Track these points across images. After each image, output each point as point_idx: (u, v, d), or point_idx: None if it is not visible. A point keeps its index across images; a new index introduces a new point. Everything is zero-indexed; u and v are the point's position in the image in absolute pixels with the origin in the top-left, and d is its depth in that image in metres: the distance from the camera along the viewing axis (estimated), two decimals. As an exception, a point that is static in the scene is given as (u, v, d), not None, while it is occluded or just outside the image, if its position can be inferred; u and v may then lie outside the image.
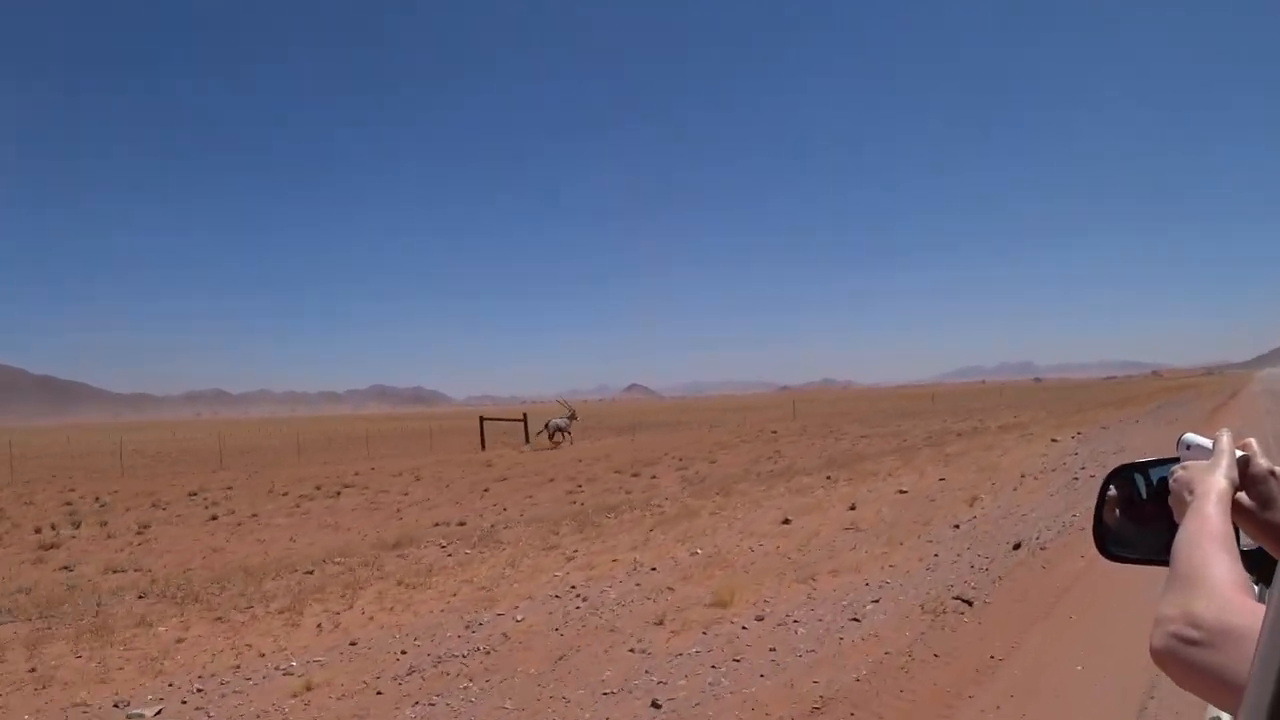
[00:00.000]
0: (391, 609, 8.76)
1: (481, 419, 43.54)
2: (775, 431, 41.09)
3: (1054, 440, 22.53)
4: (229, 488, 24.47)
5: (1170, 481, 1.27)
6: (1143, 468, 1.65)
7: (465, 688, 6.21)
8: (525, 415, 44.62)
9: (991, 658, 6.20)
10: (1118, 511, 1.64)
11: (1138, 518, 1.59)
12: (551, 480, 22.66)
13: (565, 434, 38.78)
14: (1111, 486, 1.65)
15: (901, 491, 15.18)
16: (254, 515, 18.50)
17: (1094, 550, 1.60)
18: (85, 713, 6.19)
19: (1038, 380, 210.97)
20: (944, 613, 7.29)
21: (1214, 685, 0.96)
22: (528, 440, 39.53)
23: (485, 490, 21.24)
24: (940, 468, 18.30)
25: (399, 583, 9.93)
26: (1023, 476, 16.18)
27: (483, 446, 39.24)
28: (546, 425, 38.76)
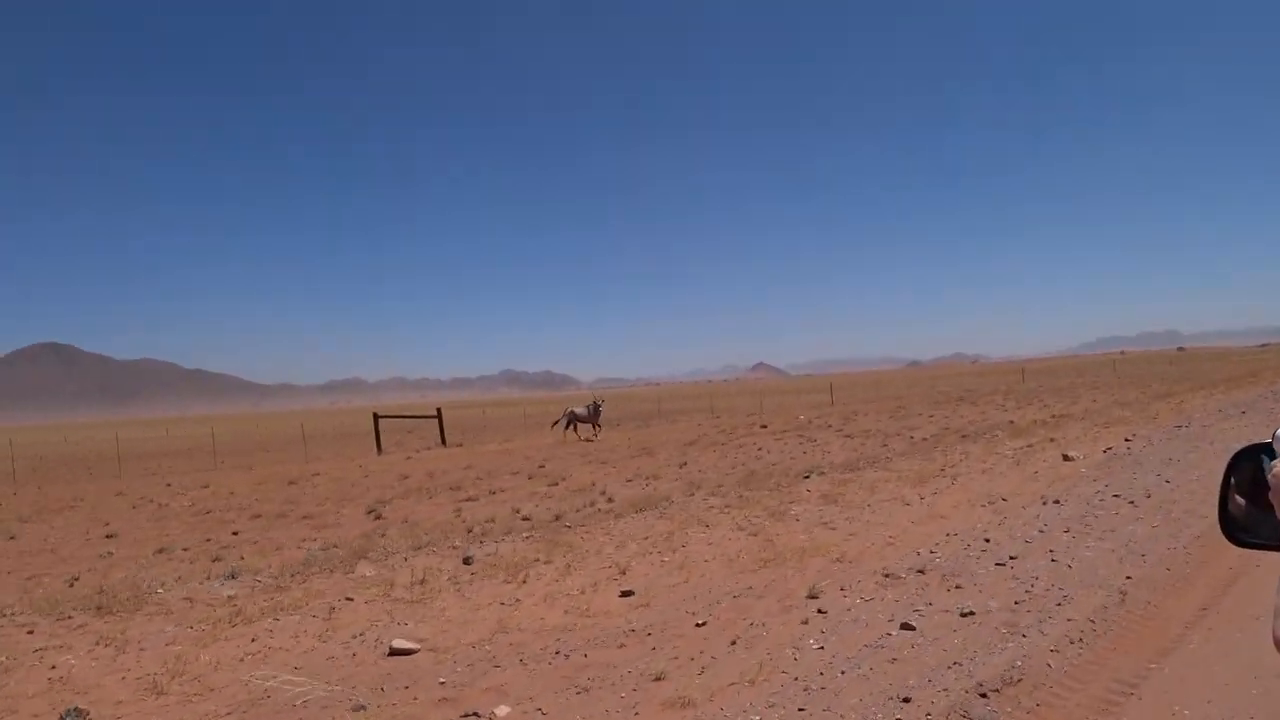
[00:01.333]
0: None
1: (376, 416, 39.70)
2: (765, 426, 34.69)
3: (1066, 457, 15.93)
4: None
5: (1269, 477, 1.44)
6: (1269, 449, 1.58)
7: None
8: (440, 410, 41.47)
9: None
10: (1241, 497, 1.69)
11: (1264, 502, 1.54)
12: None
13: (594, 426, 35.30)
14: (1237, 469, 1.72)
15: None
16: None
17: None
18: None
19: (1181, 350, 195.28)
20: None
21: None
22: (444, 441, 37.02)
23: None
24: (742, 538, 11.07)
25: None
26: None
27: (379, 448, 36.64)
28: (567, 414, 35.55)
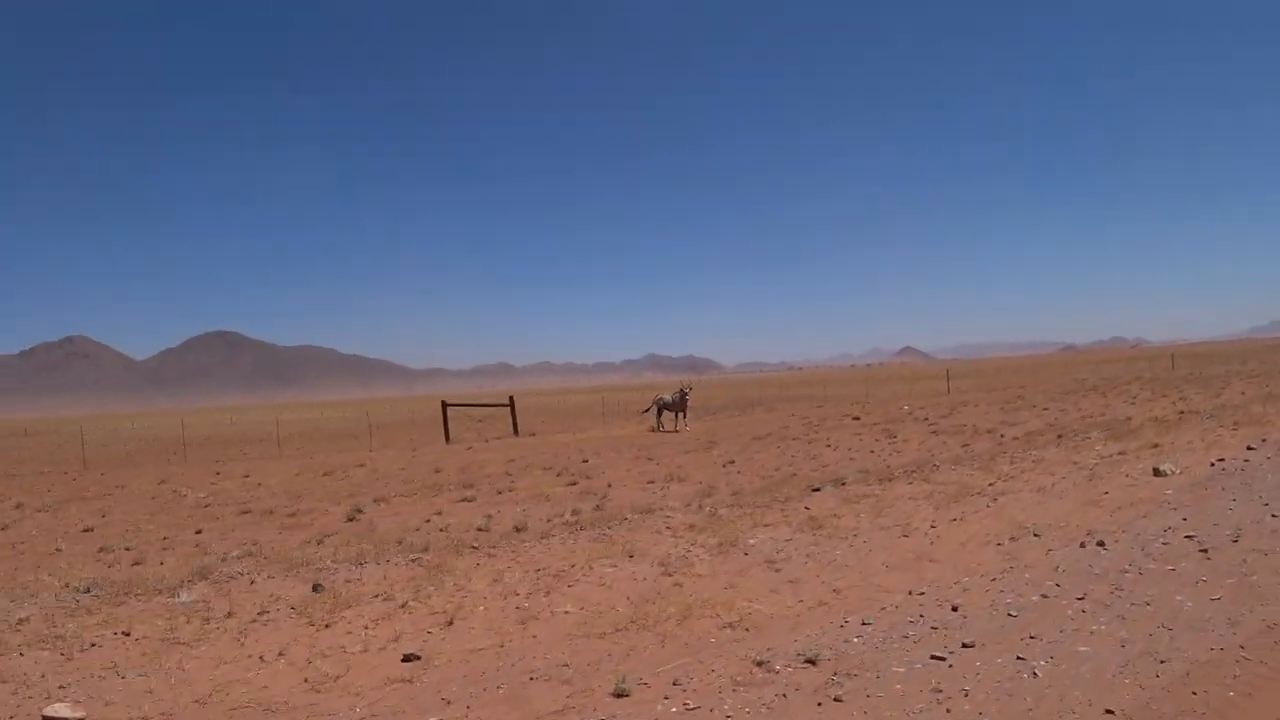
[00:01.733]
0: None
1: (444, 404, 37.45)
2: (858, 418, 31.19)
3: (1157, 471, 12.66)
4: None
5: None
6: None
7: None
8: (512, 399, 38.92)
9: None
10: None
11: None
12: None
13: (679, 415, 32.37)
14: None
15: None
16: None
17: None
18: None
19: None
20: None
21: None
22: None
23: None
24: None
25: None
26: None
27: (446, 438, 34.54)
28: (656, 402, 33.41)
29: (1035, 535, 9.04)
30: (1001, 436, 21.85)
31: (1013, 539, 9.00)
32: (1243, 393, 30.11)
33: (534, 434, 35.63)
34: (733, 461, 21.70)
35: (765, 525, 10.46)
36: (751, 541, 9.52)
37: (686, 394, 32.18)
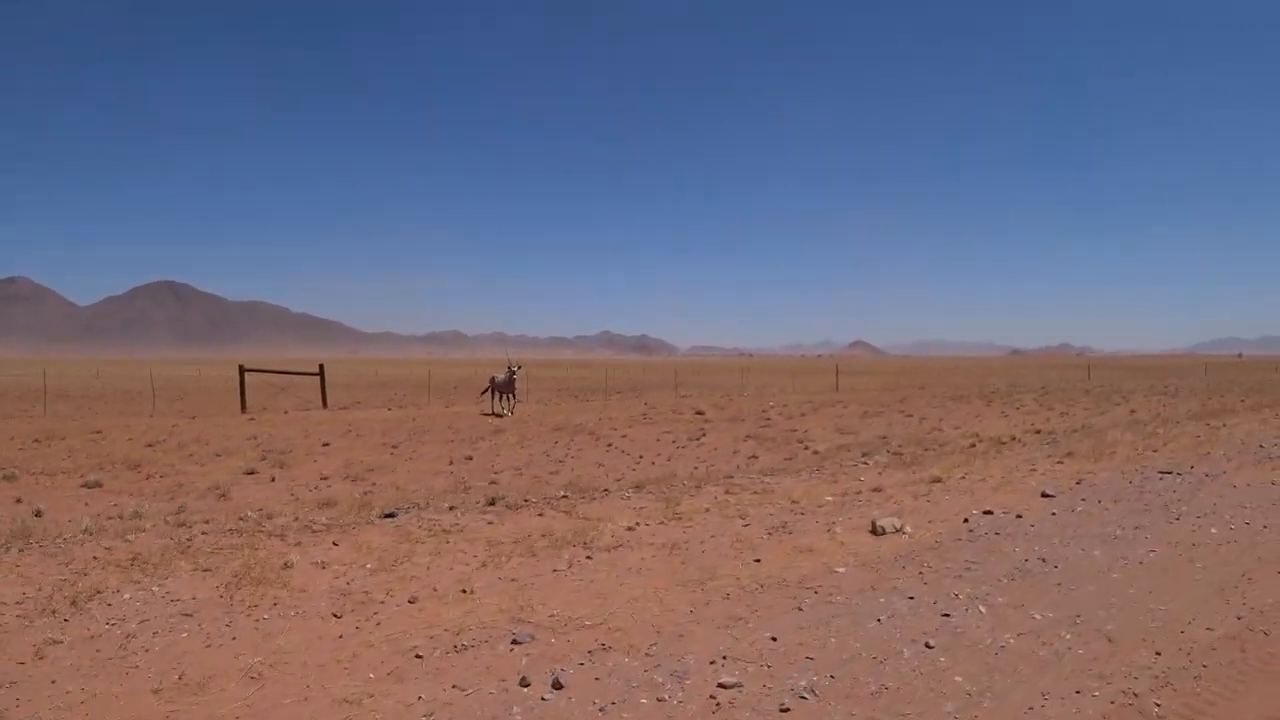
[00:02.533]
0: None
1: (242, 369, 33.08)
2: (701, 413, 27.04)
3: (876, 530, 8.41)
4: None
5: None
6: None
7: None
8: (322, 367, 34.62)
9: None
10: None
11: None
12: None
13: (508, 397, 28.17)
14: None
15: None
16: None
17: None
18: None
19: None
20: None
21: None
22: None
23: None
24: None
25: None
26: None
27: (243, 406, 30.09)
28: (493, 381, 28.90)
29: (453, 689, 4.72)
30: (806, 448, 17.77)
31: (417, 654, 4.73)
32: (1132, 411, 26.44)
33: (345, 408, 30.96)
34: (469, 458, 17.45)
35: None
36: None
37: (514, 374, 28.01)
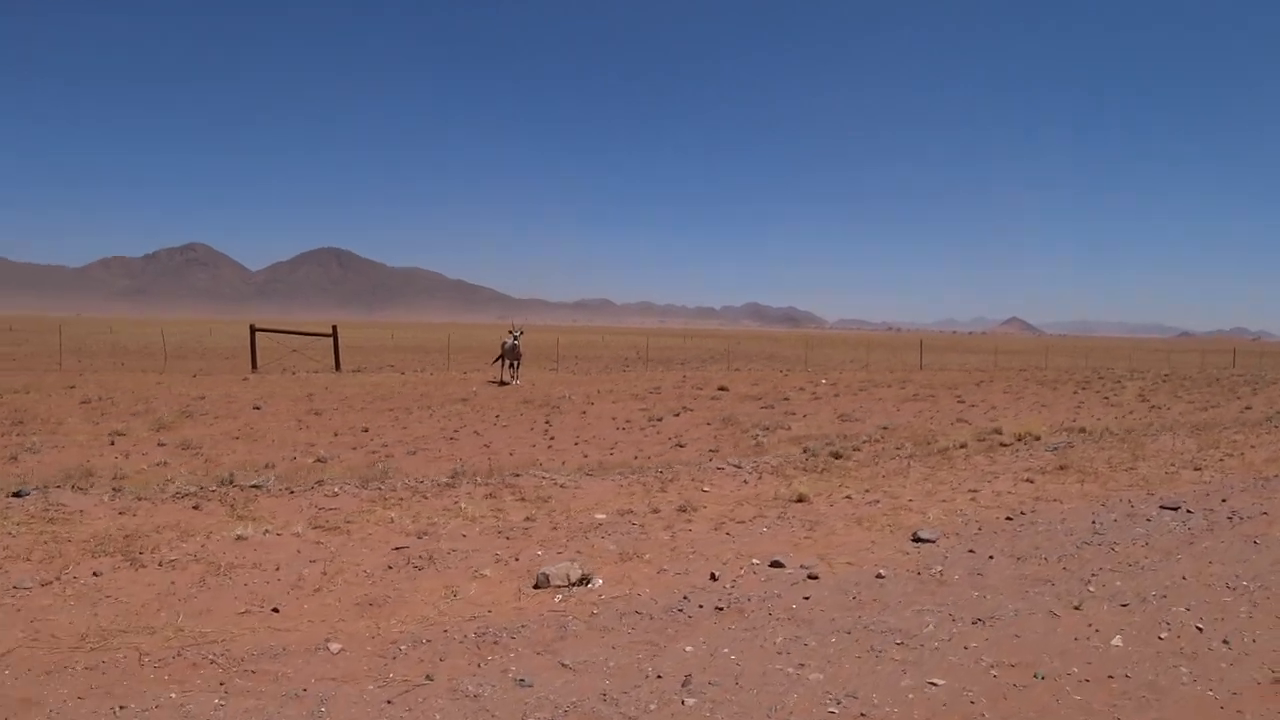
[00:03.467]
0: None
1: (253, 329, 31.95)
2: (725, 389, 23.74)
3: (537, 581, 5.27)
4: None
5: None
6: None
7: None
8: (335, 329, 32.77)
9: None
10: None
11: None
12: None
13: (511, 364, 25.91)
14: None
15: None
16: None
17: None
18: None
19: None
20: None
21: None
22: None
23: None
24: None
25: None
26: None
27: (253, 365, 29.01)
28: (503, 348, 26.14)
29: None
30: (758, 443, 14.30)
31: None
32: (1246, 408, 21.38)
33: (357, 370, 29.24)
34: (366, 430, 15.06)
35: None
36: None
37: (516, 340, 25.38)
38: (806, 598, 5.30)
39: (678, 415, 17.99)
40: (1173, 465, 10.50)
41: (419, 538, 6.54)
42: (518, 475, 9.18)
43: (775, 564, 6.00)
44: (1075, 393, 25.62)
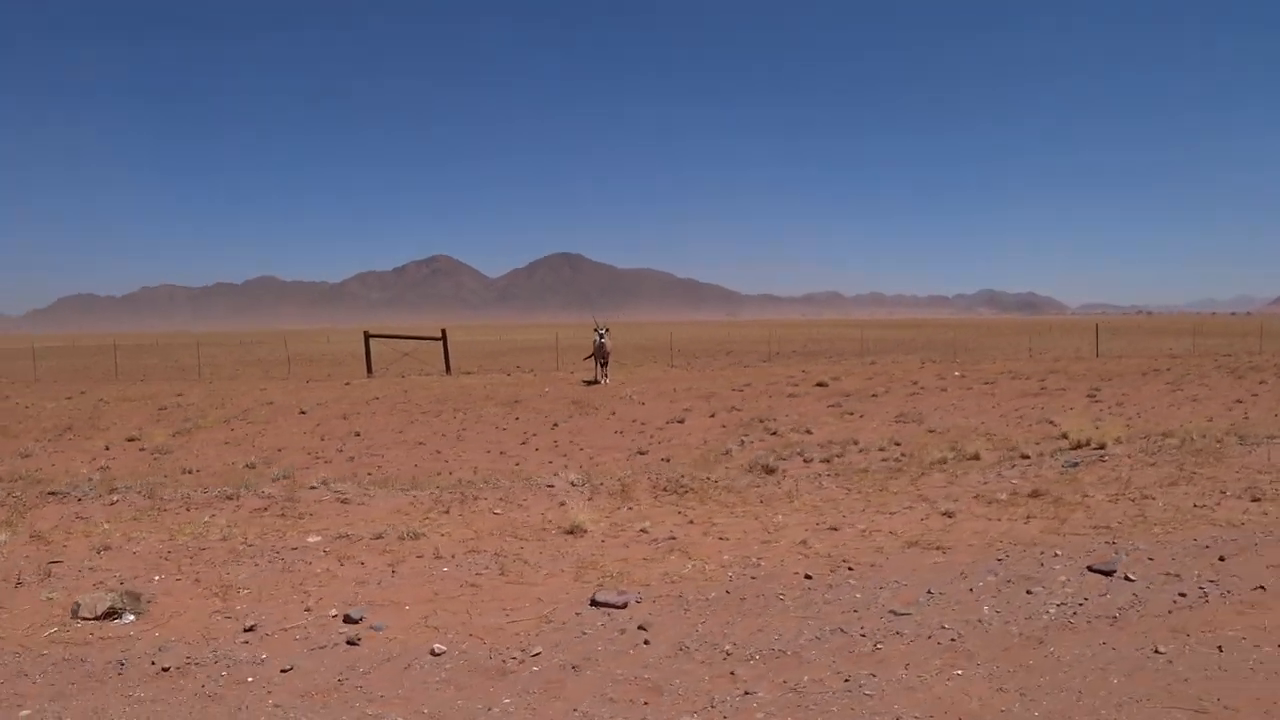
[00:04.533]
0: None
1: (367, 335, 32.66)
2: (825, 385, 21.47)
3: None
4: None
5: None
6: None
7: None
8: (444, 332, 32.60)
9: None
10: None
11: None
12: None
13: (600, 363, 24.59)
14: None
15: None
16: None
17: None
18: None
19: None
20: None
21: None
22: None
23: None
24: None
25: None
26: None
27: (369, 370, 29.86)
28: (598, 348, 24.51)
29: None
30: (732, 451, 12.47)
31: None
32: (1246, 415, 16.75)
33: (469, 372, 29.46)
34: (357, 433, 14.67)
35: None
36: None
37: (602, 337, 24.09)
38: (287, 670, 3.98)
39: (713, 416, 16.37)
40: (1224, 492, 7.86)
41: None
42: (314, 487, 8.28)
43: (349, 619, 4.68)
44: (1262, 382, 21.16)
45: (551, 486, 8.71)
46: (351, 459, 12.66)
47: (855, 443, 12.14)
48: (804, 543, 6.45)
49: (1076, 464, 9.32)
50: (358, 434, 14.99)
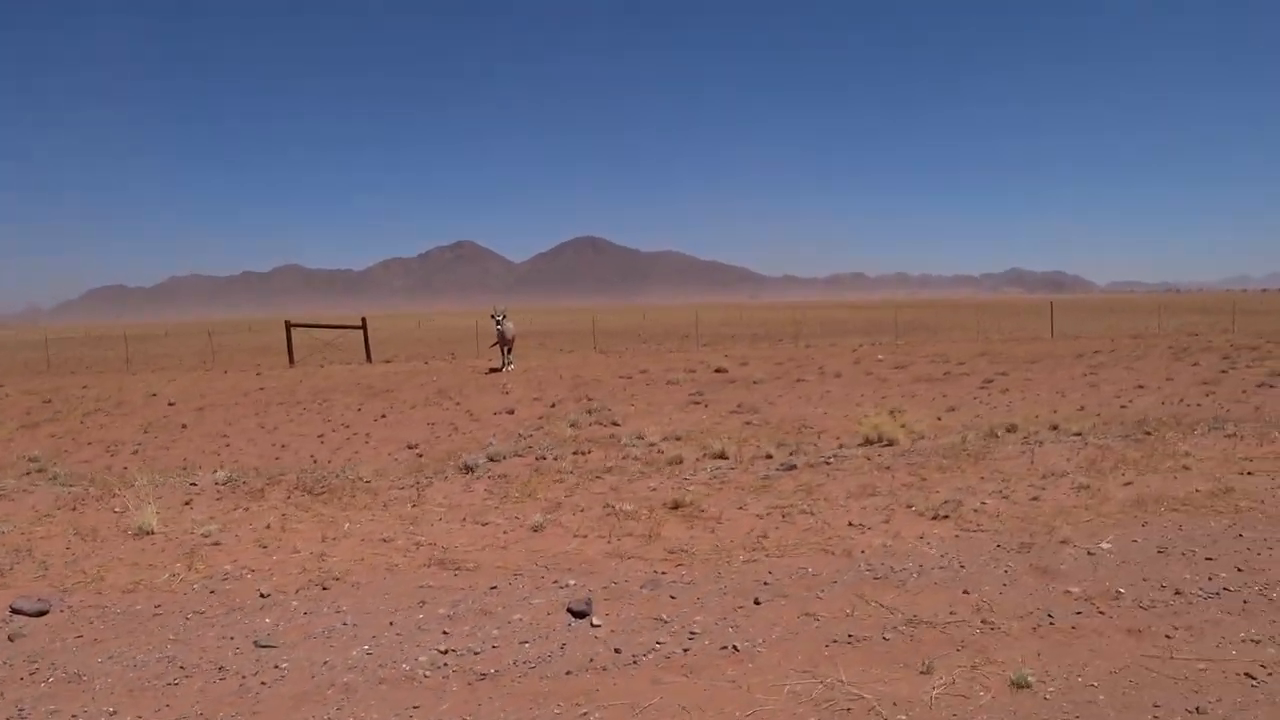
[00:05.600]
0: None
1: (289, 325, 32.38)
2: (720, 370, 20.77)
3: None
4: None
5: None
6: None
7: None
8: (364, 320, 32.67)
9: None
10: None
11: None
12: None
13: (503, 349, 23.73)
14: None
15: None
16: None
17: None
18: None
19: None
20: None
21: None
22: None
23: None
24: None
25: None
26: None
27: (290, 360, 29.63)
28: (499, 334, 23.42)
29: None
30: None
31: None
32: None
33: (389, 361, 29.10)
34: (185, 427, 14.21)
35: None
36: None
37: (500, 323, 23.06)
38: None
39: (553, 406, 15.77)
40: (910, 507, 7.06)
41: None
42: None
43: None
44: (1195, 364, 19.88)
45: (194, 484, 8.29)
46: (135, 452, 12.34)
47: (641, 438, 11.39)
48: (322, 556, 5.89)
49: (794, 466, 8.59)
50: (184, 426, 14.64)
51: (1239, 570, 5.33)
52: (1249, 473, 7.84)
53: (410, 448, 11.88)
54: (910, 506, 7.10)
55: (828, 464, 8.84)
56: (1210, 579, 5.19)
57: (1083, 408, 13.93)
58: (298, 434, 13.66)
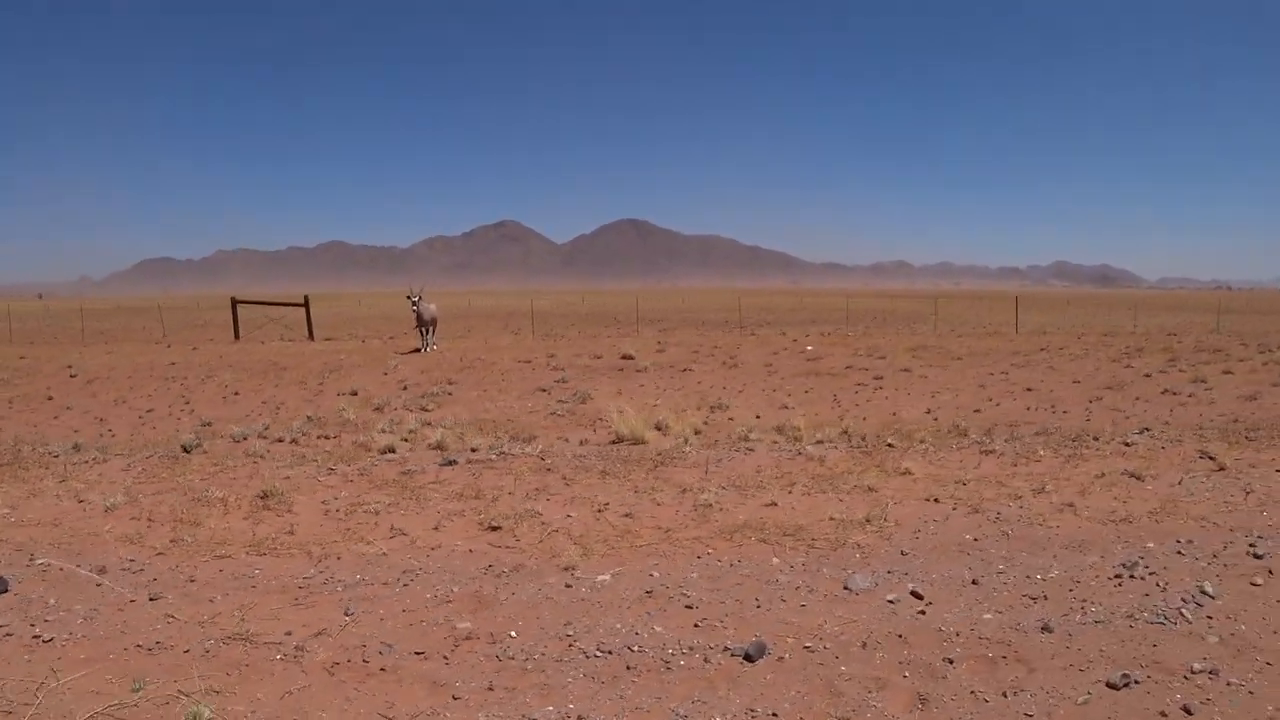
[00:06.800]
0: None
1: (234, 301, 33.67)
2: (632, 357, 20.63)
3: None
4: None
5: None
6: None
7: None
8: (306, 299, 33.40)
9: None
10: None
11: None
12: None
13: (423, 331, 23.94)
14: None
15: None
16: None
17: None
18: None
19: None
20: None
21: None
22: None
23: None
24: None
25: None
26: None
27: (236, 334, 30.94)
28: (416, 315, 23.64)
29: None
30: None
31: None
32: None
33: (330, 339, 29.48)
34: (50, 397, 14.53)
35: None
36: None
37: (415, 305, 23.19)
38: None
39: (405, 389, 15.84)
40: (463, 515, 6.76)
41: None
42: None
43: None
44: (1121, 362, 19.36)
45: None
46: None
47: (402, 424, 11.40)
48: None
49: (454, 462, 8.39)
50: (50, 398, 15.07)
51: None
52: (935, 499, 7.20)
53: (205, 425, 11.97)
54: (480, 515, 6.74)
55: (489, 460, 8.53)
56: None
57: (929, 410, 13.40)
58: (138, 408, 13.88)
